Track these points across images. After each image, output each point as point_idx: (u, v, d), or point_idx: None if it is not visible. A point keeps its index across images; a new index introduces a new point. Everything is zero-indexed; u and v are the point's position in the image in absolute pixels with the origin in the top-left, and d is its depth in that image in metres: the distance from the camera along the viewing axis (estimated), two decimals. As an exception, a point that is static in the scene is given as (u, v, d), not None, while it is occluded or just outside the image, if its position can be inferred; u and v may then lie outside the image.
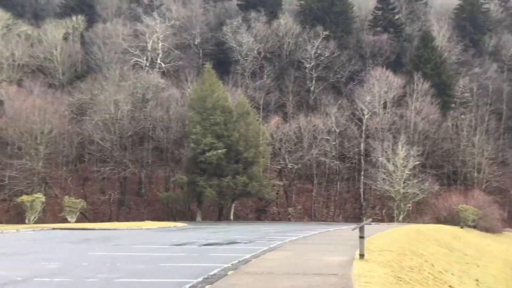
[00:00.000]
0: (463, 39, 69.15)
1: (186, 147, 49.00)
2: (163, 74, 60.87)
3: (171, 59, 62.23)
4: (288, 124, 55.70)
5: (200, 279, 10.96)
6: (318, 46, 61.72)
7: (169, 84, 58.36)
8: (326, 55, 61.76)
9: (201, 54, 66.81)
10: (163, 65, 61.68)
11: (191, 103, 49.93)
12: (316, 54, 61.80)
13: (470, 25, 71.74)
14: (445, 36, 67.17)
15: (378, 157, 49.43)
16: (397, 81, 56.04)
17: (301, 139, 54.47)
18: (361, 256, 14.21)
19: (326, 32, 62.31)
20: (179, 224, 37.44)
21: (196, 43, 67.09)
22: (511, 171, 61.18)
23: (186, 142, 49.59)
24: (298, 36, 64.72)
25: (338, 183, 56.28)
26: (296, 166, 53.56)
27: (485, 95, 63.69)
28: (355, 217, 50.94)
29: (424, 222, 40.76)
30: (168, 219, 45.61)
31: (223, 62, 63.58)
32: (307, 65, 62.02)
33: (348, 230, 17.46)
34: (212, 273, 11.77)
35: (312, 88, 62.56)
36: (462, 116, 59.27)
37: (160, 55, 62.18)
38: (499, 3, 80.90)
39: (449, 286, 15.38)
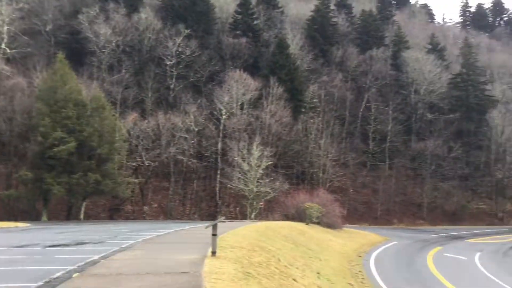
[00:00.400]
0: (314, 48, 74.37)
1: (33, 141, 45.24)
2: (8, 60, 55.43)
3: (18, 45, 56.93)
4: (146, 121, 54.63)
5: (41, 283, 10.26)
6: (179, 44, 61.52)
7: (15, 72, 53.40)
8: (187, 54, 61.81)
9: (52, 42, 62.26)
10: (8, 50, 56.14)
11: (40, 94, 46.25)
12: (177, 52, 61.55)
13: (320, 36, 77.40)
14: (298, 45, 71.66)
15: (234, 157, 50.88)
16: (254, 84, 58.31)
17: (159, 136, 53.82)
18: (213, 253, 14.53)
19: (188, 31, 62.43)
20: (22, 225, 34.44)
21: (47, 29, 62.34)
22: (351, 172, 67.58)
23: (32, 135, 45.77)
24: (159, 32, 63.83)
25: (195, 182, 56.73)
26: (153, 164, 52.75)
27: (331, 102, 69.36)
28: (211, 215, 51.79)
29: (274, 219, 42.83)
30: (8, 219, 41.59)
31: (77, 52, 60.05)
32: (168, 62, 61.44)
33: (202, 228, 17.71)
34: (55, 276, 11.08)
35: (172, 86, 62.12)
36: (311, 120, 63.83)
37: (5, 40, 56.50)
38: (346, 18, 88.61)
39: (293, 279, 16.42)
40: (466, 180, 73.58)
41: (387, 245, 40.98)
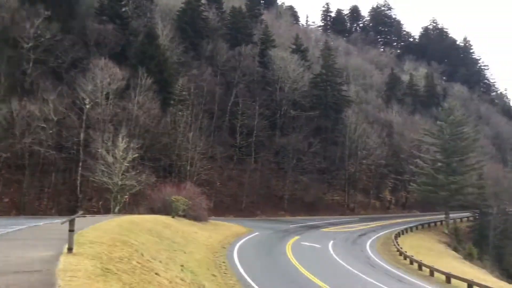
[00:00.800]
0: (184, 41, 73.95)
1: None
2: None
3: None
4: (-3, 108, 49.72)
5: None
6: (38, 26, 56.87)
7: None
8: (47, 37, 57.37)
9: None
10: None
11: None
12: (36, 35, 56.81)
13: (190, 29, 77.20)
14: (168, 36, 70.68)
15: (98, 149, 48.68)
16: (121, 73, 56.23)
17: (12, 125, 49.39)
18: (70, 250, 13.85)
19: (48, 13, 57.99)
20: None
21: None
22: (219, 165, 68.71)
23: None
24: (14, 11, 58.31)
25: (54, 174, 53.14)
26: (4, 155, 48.28)
27: (200, 96, 69.62)
28: (70, 210, 48.85)
29: (139, 213, 41.96)
30: None
31: None
32: (25, 45, 56.44)
33: (59, 224, 16.71)
34: None
35: (29, 71, 57.18)
36: (180, 113, 63.53)
37: None
38: (216, 13, 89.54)
39: (155, 273, 16.30)
40: (323, 173, 79.14)
41: (250, 236, 42.52)
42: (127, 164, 48.08)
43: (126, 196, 48.23)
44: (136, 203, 49.89)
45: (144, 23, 70.89)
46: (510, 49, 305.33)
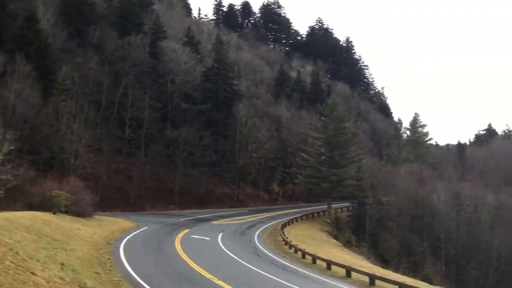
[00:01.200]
0: (68, 27, 69.68)
1: None
2: None
3: None
4: None
5: None
6: None
7: None
8: None
9: None
10: None
11: None
12: None
13: (75, 14, 72.90)
14: (50, 21, 66.23)
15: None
16: (-4, 58, 51.74)
17: None
18: None
19: None
20: None
21: None
22: (106, 158, 66.02)
23: None
24: None
25: None
26: None
27: (86, 85, 66.23)
28: None
29: (16, 209, 39.07)
30: None
31: None
32: None
33: None
34: None
35: None
36: (63, 103, 59.93)
37: None
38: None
39: (32, 272, 15.35)
40: (214, 166, 79.70)
41: (138, 231, 41.63)
42: (2, 157, 44.37)
43: (1, 192, 44.53)
44: (12, 199, 46.27)
45: (24, 6, 65.57)
46: (387, 51, 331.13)
